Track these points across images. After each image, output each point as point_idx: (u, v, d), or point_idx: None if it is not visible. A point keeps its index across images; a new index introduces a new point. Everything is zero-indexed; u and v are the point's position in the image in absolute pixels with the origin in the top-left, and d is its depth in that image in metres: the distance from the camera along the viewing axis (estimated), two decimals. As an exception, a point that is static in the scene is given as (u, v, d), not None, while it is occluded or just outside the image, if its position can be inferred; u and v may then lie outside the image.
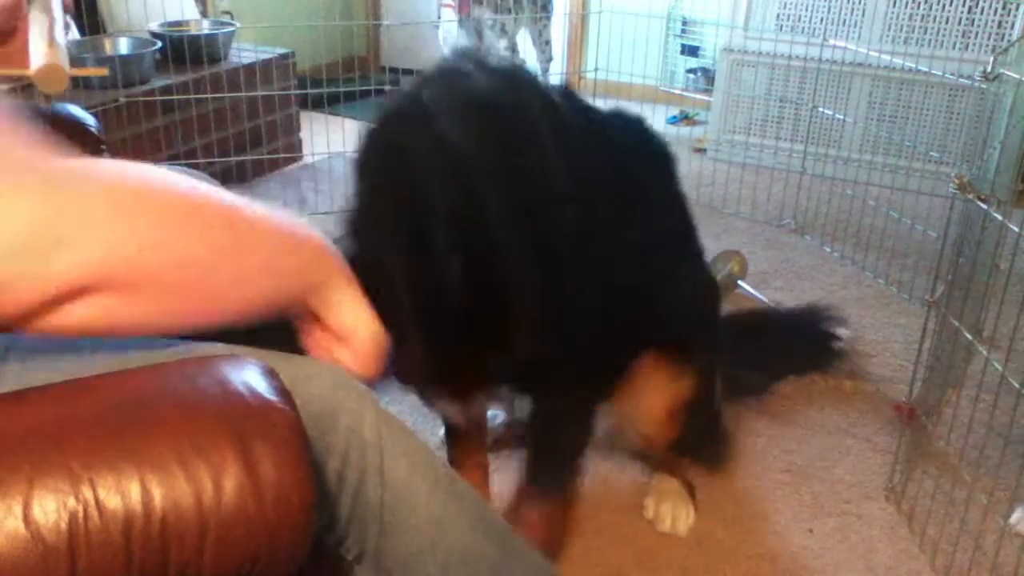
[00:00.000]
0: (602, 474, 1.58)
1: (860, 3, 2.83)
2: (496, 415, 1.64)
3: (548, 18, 3.47)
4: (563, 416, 1.26)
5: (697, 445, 1.50)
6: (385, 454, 0.78)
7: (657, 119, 3.45)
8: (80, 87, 2.48)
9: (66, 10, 1.05)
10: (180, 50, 2.70)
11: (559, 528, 1.35)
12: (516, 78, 1.10)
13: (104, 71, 1.17)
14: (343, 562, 0.79)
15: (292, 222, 0.74)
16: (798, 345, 1.86)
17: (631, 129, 1.24)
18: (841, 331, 1.88)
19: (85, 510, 0.58)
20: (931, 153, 2.77)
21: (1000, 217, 1.38)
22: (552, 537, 1.32)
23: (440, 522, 0.82)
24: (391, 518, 0.78)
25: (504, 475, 1.50)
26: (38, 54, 0.97)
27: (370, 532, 0.78)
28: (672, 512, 1.47)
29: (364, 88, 3.35)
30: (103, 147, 1.27)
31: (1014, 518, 1.44)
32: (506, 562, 0.88)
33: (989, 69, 1.36)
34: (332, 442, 0.76)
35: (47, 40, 0.97)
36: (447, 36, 3.04)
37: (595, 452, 1.63)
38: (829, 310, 1.90)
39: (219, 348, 0.81)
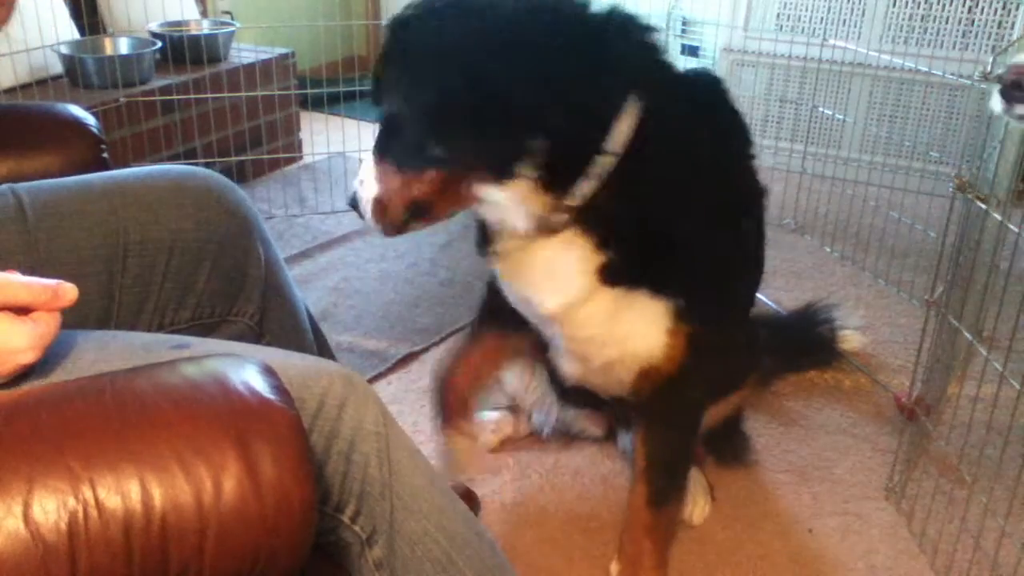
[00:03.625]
0: (602, 474, 1.58)
1: (860, 3, 2.83)
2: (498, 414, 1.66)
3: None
4: (677, 426, 1.26)
5: (722, 443, 1.56)
6: (390, 445, 0.81)
7: (657, 119, 3.45)
8: (80, 87, 2.48)
9: None
10: (180, 50, 2.70)
11: (666, 544, 1.34)
12: None
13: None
14: (353, 547, 0.81)
15: None
16: (798, 344, 1.86)
17: None
18: (847, 331, 1.89)
19: (85, 510, 0.58)
20: (931, 153, 2.77)
21: (1000, 217, 1.38)
22: (659, 550, 1.31)
23: (443, 511, 0.85)
24: (399, 501, 0.81)
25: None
26: None
27: (381, 510, 0.80)
28: (692, 499, 1.48)
29: (364, 88, 3.35)
30: (103, 147, 1.27)
31: None
32: (496, 563, 0.90)
33: (989, 69, 1.36)
34: (338, 429, 0.78)
35: None
36: None
37: (594, 452, 1.63)
38: (829, 310, 1.91)
39: (220, 347, 0.82)
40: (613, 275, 1.06)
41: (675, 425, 1.25)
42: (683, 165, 1.03)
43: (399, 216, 1.06)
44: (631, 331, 1.10)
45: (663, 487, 1.25)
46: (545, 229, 1.03)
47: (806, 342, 1.87)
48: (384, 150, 1.05)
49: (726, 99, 1.12)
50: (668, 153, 1.01)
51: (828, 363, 1.90)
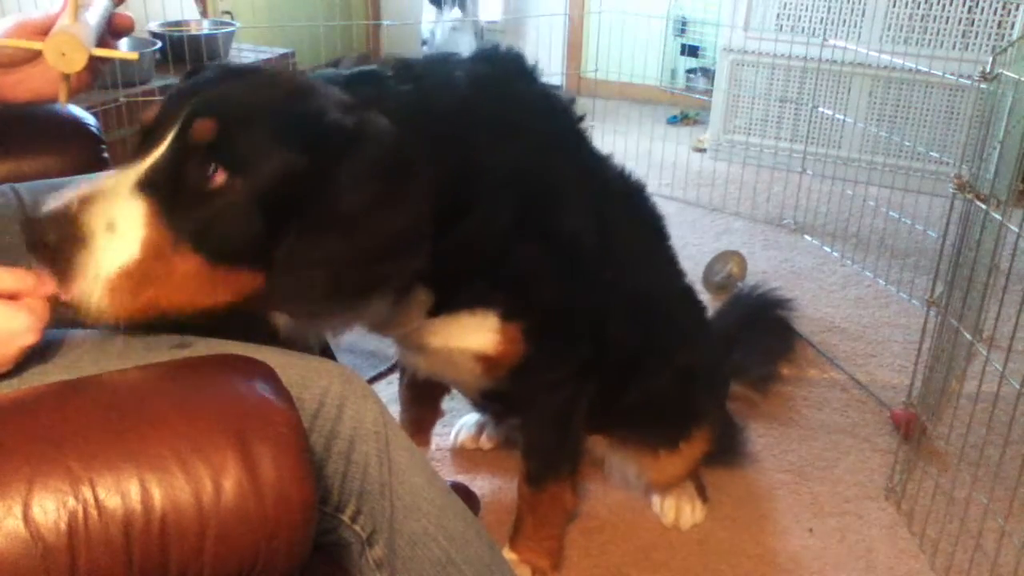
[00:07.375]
0: (602, 474, 1.58)
1: (860, 3, 2.82)
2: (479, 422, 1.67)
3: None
4: (545, 415, 1.29)
5: (719, 450, 1.54)
6: (389, 444, 0.81)
7: (657, 119, 3.45)
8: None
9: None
10: (180, 50, 2.70)
11: (553, 525, 1.36)
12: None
13: (135, 56, 1.10)
14: (353, 546, 0.81)
15: None
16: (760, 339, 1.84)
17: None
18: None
19: (85, 510, 0.58)
20: (931, 153, 2.77)
21: (1000, 217, 1.38)
22: (543, 527, 1.34)
23: (443, 510, 0.85)
24: (399, 500, 0.82)
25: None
26: (57, 27, 0.90)
27: (381, 509, 0.81)
28: (676, 506, 1.48)
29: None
30: (103, 147, 1.27)
31: None
32: (495, 561, 0.90)
33: (988, 69, 1.36)
34: (337, 429, 0.78)
35: (72, 15, 0.91)
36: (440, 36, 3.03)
37: (594, 452, 1.63)
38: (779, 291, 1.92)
39: (220, 347, 0.82)
40: (438, 309, 1.09)
41: (544, 414, 1.29)
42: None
43: (149, 311, 0.75)
44: (461, 336, 1.14)
45: (537, 468, 1.32)
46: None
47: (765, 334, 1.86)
48: (171, 209, 0.75)
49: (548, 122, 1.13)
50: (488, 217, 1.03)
51: (788, 349, 1.90)
